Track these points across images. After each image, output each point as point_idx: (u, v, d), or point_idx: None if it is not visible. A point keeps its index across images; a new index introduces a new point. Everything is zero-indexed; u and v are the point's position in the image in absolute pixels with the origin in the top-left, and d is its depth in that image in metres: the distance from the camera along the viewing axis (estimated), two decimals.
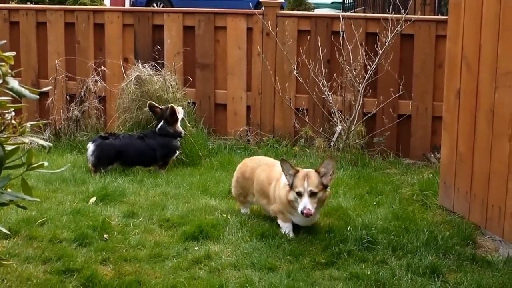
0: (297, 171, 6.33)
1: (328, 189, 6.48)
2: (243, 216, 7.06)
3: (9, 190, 4.82)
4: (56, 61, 10.04)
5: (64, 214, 7.03)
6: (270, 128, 9.76)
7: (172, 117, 8.57)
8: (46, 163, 5.11)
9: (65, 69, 10.15)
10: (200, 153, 8.98)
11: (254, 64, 9.84)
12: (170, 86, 9.19)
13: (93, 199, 7.46)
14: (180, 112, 8.67)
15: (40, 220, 6.87)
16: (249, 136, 9.74)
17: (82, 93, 9.94)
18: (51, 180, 8.03)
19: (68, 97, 10.09)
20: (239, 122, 9.86)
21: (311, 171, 6.38)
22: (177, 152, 8.74)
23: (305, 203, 6.17)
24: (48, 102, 9.93)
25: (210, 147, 9.39)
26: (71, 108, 9.87)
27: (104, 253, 6.25)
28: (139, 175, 8.46)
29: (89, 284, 5.71)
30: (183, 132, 8.73)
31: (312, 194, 6.20)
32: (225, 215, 7.04)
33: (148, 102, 8.72)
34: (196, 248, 6.36)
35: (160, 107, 8.63)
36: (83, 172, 8.45)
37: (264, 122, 9.79)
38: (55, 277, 5.82)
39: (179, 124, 8.69)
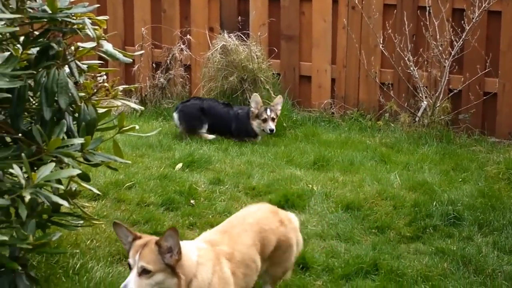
0: (136, 238, 4.44)
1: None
2: (328, 187, 7.08)
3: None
4: (142, 29, 10.15)
5: (151, 179, 7.18)
6: (354, 102, 9.71)
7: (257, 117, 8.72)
8: (137, 126, 5.24)
9: (151, 37, 10.25)
10: (284, 124, 9.01)
11: (339, 37, 9.78)
12: (255, 57, 9.23)
13: (179, 165, 7.57)
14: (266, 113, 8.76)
15: (128, 184, 7.03)
16: (333, 109, 9.71)
17: (168, 61, 10.04)
18: (137, 145, 8.17)
19: (154, 65, 10.20)
20: (323, 94, 9.82)
21: (152, 241, 4.42)
22: (252, 138, 8.81)
23: (128, 281, 4.26)
24: (134, 69, 10.05)
25: (294, 118, 9.39)
26: (157, 76, 9.98)
27: (191, 218, 6.39)
28: (224, 143, 8.55)
29: None
30: (257, 131, 8.85)
31: (144, 272, 4.27)
32: (310, 186, 7.09)
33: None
34: None
35: (261, 106, 8.75)
36: (169, 139, 8.58)
37: (348, 95, 9.73)
38: None
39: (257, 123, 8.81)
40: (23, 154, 4.39)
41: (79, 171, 4.67)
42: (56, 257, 5.52)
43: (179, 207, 6.60)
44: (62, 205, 4.90)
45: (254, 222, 4.87)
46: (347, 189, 7.07)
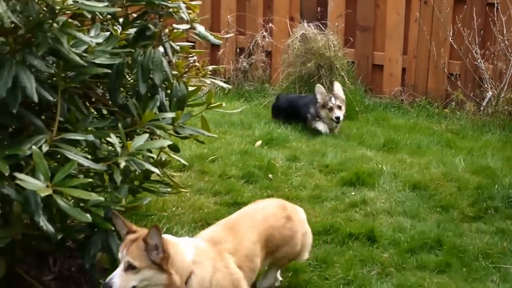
0: (130, 232, 4.21)
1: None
2: (397, 168, 7.09)
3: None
4: (228, 16, 10.28)
5: (232, 154, 7.27)
6: (423, 90, 9.67)
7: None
8: (223, 104, 5.35)
9: (236, 24, 10.35)
10: (357, 108, 9.04)
11: (411, 30, 9.73)
12: (332, 45, 9.25)
13: (259, 142, 7.66)
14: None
15: (211, 157, 7.13)
16: (403, 96, 9.69)
17: (251, 47, 10.14)
18: (221, 123, 8.26)
19: (237, 50, 10.32)
20: (394, 82, 9.80)
21: (141, 237, 4.15)
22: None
23: (113, 275, 4.03)
24: (219, 53, 10.20)
25: (366, 103, 9.42)
26: (240, 60, 10.10)
27: (269, 191, 6.46)
28: (300, 125, 8.64)
29: None
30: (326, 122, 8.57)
31: (130, 267, 4.03)
32: (380, 166, 7.10)
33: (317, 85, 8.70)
34: (353, 193, 6.49)
35: (326, 95, 8.51)
36: (250, 118, 8.63)
37: (417, 84, 9.70)
38: (224, 208, 6.09)
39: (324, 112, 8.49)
40: (120, 125, 4.52)
41: (169, 142, 4.80)
42: (145, 220, 5.63)
43: (258, 180, 6.69)
44: (153, 173, 5.02)
45: (262, 219, 4.73)
46: (414, 170, 7.06)
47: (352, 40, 9.88)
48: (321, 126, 8.45)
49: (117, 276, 3.97)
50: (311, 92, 8.77)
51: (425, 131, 8.59)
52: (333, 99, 8.45)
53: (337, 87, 8.61)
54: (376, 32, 9.92)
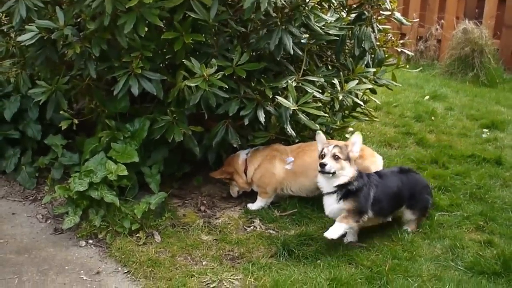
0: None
1: None
2: None
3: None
4: (413, 14, 10.02)
5: (408, 103, 7.20)
6: None
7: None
8: (407, 66, 5.35)
9: (419, 19, 10.06)
10: (497, 80, 8.56)
11: None
12: (484, 36, 8.81)
13: (427, 97, 7.51)
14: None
15: (394, 104, 7.12)
16: None
17: (427, 36, 9.87)
18: (402, 83, 8.08)
19: (418, 37, 10.06)
20: None
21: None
22: None
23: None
24: (405, 39, 9.98)
25: (505, 77, 8.81)
26: (419, 44, 9.88)
27: (431, 127, 6.40)
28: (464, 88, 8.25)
29: (421, 142, 5.95)
30: None
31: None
32: (509, 117, 6.76)
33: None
34: (488, 133, 6.29)
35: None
36: (422, 81, 8.36)
37: None
38: (400, 135, 6.11)
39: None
40: (341, 73, 4.72)
41: (371, 86, 4.92)
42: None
43: (424, 120, 6.61)
44: (359, 105, 5.19)
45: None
46: None
47: (499, 33, 9.33)
48: None
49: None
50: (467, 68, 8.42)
51: None
52: (330, 147, 4.15)
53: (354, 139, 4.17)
54: None
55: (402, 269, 3.79)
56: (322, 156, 3.96)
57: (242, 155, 4.65)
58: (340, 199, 3.94)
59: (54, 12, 4.14)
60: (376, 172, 4.23)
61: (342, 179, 3.93)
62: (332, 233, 3.87)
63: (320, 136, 4.10)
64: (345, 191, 3.93)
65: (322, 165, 3.89)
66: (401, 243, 4.12)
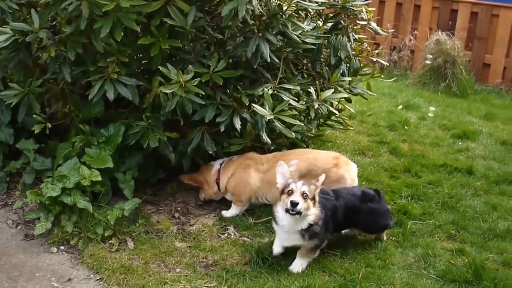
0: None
1: None
2: (492, 130, 6.81)
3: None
4: (388, 24, 10.12)
5: (382, 112, 7.24)
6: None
7: None
8: (382, 76, 5.38)
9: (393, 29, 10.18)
10: (469, 91, 8.67)
11: None
12: (456, 48, 8.93)
13: (400, 107, 7.56)
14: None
15: (368, 113, 7.16)
16: (502, 86, 9.14)
17: (401, 46, 9.99)
18: (376, 92, 8.06)
19: (392, 47, 10.17)
20: (496, 76, 9.13)
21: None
22: None
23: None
24: (379, 49, 10.06)
25: (475, 88, 8.92)
26: (393, 54, 9.99)
27: (404, 136, 6.43)
28: (438, 97, 8.35)
29: (394, 151, 5.97)
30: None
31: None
32: (480, 128, 6.82)
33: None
34: (460, 143, 6.35)
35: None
36: (395, 91, 8.45)
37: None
38: (374, 144, 6.13)
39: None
40: (316, 82, 4.73)
41: (346, 95, 4.95)
42: (324, 144, 5.76)
43: (397, 129, 6.64)
44: (333, 114, 5.21)
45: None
46: (504, 133, 6.77)
47: (470, 45, 9.50)
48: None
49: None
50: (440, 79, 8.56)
51: None
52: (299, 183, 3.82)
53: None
54: (488, 41, 9.46)
55: (375, 277, 3.81)
56: (289, 192, 3.54)
57: (216, 165, 4.61)
58: (303, 239, 3.70)
59: (29, 15, 4.09)
60: (335, 192, 3.98)
61: (309, 219, 3.60)
62: (298, 268, 3.80)
63: (282, 167, 3.67)
64: (309, 233, 3.66)
65: (294, 204, 3.48)
66: (374, 251, 4.15)
